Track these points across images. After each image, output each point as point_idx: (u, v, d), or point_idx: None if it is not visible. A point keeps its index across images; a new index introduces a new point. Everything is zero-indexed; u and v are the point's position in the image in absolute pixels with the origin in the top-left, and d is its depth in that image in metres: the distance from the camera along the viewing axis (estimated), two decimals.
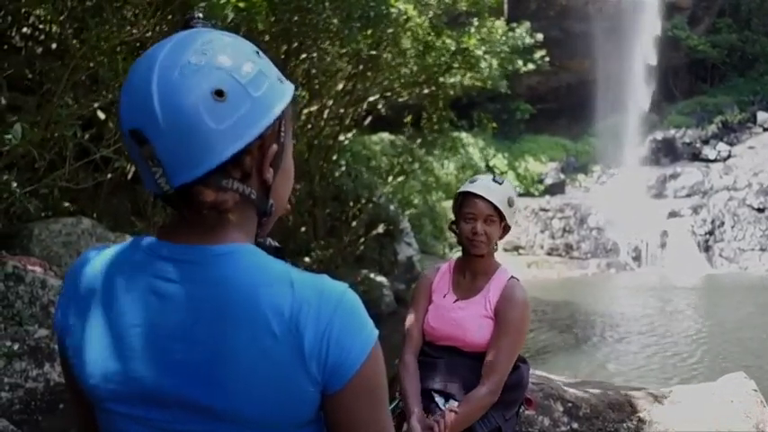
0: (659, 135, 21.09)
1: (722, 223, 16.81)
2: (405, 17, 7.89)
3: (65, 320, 0.95)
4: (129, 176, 6.60)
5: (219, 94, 0.84)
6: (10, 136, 3.07)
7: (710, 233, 16.73)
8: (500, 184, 2.24)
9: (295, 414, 0.87)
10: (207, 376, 0.85)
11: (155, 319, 0.87)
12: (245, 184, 0.90)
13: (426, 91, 10.88)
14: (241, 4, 4.20)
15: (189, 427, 0.87)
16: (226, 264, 0.87)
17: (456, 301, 2.27)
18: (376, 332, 0.91)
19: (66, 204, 5.58)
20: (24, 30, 6.09)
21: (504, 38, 10.64)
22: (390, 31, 8.02)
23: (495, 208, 2.19)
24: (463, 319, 2.22)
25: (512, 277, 2.27)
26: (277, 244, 0.99)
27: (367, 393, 0.89)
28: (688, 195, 18.41)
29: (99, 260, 0.95)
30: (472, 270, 2.30)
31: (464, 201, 2.25)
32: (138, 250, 0.92)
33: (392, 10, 7.24)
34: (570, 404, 3.01)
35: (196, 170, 0.84)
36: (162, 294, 0.87)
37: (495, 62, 10.52)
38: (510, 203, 2.22)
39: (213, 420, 0.86)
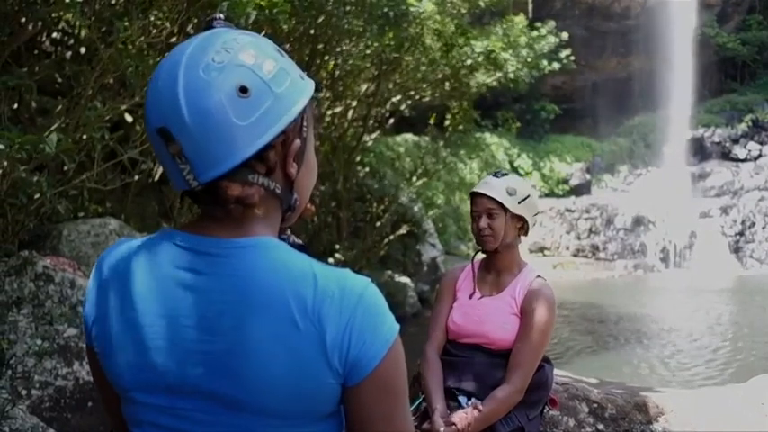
0: (688, 134, 20.75)
1: (753, 224, 16.47)
2: (425, 14, 7.85)
3: (92, 311, 0.98)
4: (156, 178, 6.69)
5: (243, 90, 0.86)
6: (46, 146, 3.13)
7: (741, 234, 16.40)
8: (499, 177, 2.28)
9: (316, 406, 0.88)
10: (230, 367, 0.86)
11: (180, 310, 0.89)
12: (270, 178, 0.92)
13: (448, 88, 10.83)
14: (263, 3, 4.22)
15: (213, 417, 0.88)
16: (250, 256, 0.89)
17: (481, 298, 2.27)
18: (397, 327, 0.91)
19: (95, 206, 5.67)
20: (54, 35, 6.21)
21: (530, 41, 10.57)
22: (412, 30, 8.00)
23: (495, 201, 2.21)
24: (488, 315, 2.22)
25: (538, 276, 2.27)
26: (300, 242, 1.00)
27: (386, 387, 0.89)
28: (717, 195, 18.08)
29: (126, 252, 0.97)
30: (497, 267, 2.30)
31: (471, 201, 2.31)
32: (164, 243, 0.94)
33: (411, 9, 7.22)
34: (596, 405, 2.98)
35: (223, 166, 0.86)
36: (187, 286, 0.89)
37: (520, 65, 10.47)
38: (510, 193, 2.23)
39: (236, 411, 0.87)
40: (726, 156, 20.19)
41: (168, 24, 4.94)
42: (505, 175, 2.31)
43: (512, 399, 2.12)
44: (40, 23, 4.99)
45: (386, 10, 6.74)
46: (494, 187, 2.24)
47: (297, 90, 0.93)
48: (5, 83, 3.85)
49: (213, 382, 0.87)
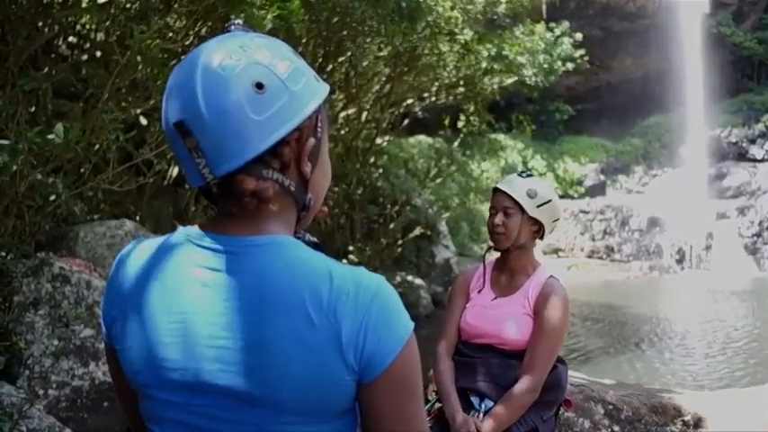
0: (704, 134, 20.55)
1: None
2: (440, 10, 7.82)
3: (111, 309, 0.99)
4: (171, 180, 6.74)
5: (260, 86, 0.88)
6: (53, 135, 3.16)
7: (758, 235, 16.22)
8: (524, 177, 2.26)
9: (332, 403, 0.89)
10: (247, 364, 0.87)
11: (197, 307, 0.90)
12: (284, 175, 0.93)
13: (462, 90, 10.82)
14: (278, 12, 4.25)
15: (229, 413, 0.89)
16: (266, 254, 0.90)
17: (494, 298, 2.25)
18: (411, 325, 0.92)
19: (110, 208, 5.72)
20: (71, 39, 6.27)
21: (547, 46, 10.55)
22: (428, 32, 7.99)
23: (514, 200, 2.19)
24: (501, 316, 2.20)
25: (551, 276, 2.24)
26: (315, 240, 1.01)
27: (401, 385, 0.90)
28: (734, 196, 17.90)
29: (144, 251, 0.98)
30: (510, 268, 2.28)
31: (492, 197, 2.28)
32: (182, 241, 0.95)
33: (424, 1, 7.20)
34: (611, 407, 2.96)
35: (238, 159, 0.88)
36: (205, 284, 0.90)
37: (536, 69, 10.45)
38: (530, 195, 2.20)
39: (253, 407, 0.88)
40: (742, 156, 19.98)
41: (184, 30, 4.98)
42: (531, 176, 2.28)
43: (527, 398, 2.09)
44: (56, 27, 5.05)
45: (400, 3, 6.73)
46: (515, 186, 2.22)
47: (311, 90, 0.95)
48: (22, 86, 3.90)
49: (230, 378, 0.88)
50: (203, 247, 0.92)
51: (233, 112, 0.86)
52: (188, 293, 0.91)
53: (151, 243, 0.99)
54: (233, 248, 0.91)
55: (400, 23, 7.01)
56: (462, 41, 9.04)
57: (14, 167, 3.03)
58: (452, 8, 8.21)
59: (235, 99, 0.87)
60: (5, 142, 2.89)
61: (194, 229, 0.96)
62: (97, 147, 4.33)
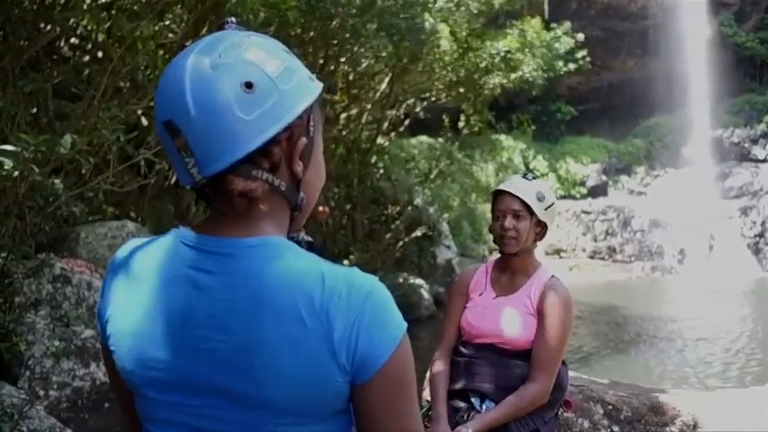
0: (706, 135, 20.51)
1: None
2: (437, 32, 7.81)
3: (106, 309, 0.99)
4: (172, 181, 6.75)
5: (249, 86, 0.87)
6: (60, 146, 3.18)
7: (760, 235, 16.19)
8: (529, 180, 2.24)
9: (325, 403, 0.89)
10: (240, 365, 0.87)
11: (191, 308, 0.90)
12: (275, 175, 0.92)
13: (463, 90, 10.81)
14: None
15: (223, 414, 0.89)
16: (258, 255, 0.90)
17: (495, 297, 2.25)
18: (405, 325, 0.92)
19: (111, 208, 5.73)
20: (72, 40, 6.28)
21: (545, 41, 10.54)
22: (425, 41, 7.97)
23: (524, 203, 2.17)
24: (503, 315, 2.19)
25: (553, 276, 2.24)
26: (309, 239, 1.01)
27: (395, 385, 0.90)
28: (737, 197, 17.86)
29: (139, 251, 0.98)
30: (512, 269, 2.27)
31: (495, 199, 2.26)
32: (175, 242, 0.95)
33: (426, 24, 7.19)
34: (611, 407, 2.96)
35: (226, 159, 0.87)
36: (197, 285, 0.90)
37: (536, 65, 10.43)
38: (539, 198, 2.19)
39: (247, 408, 0.88)
40: (745, 156, 19.94)
41: (182, 26, 4.98)
42: (535, 178, 2.26)
43: (537, 400, 2.09)
44: (58, 28, 5.05)
45: (398, 21, 6.71)
46: (524, 189, 2.19)
47: (303, 89, 0.94)
48: (22, 87, 3.90)
49: (224, 379, 0.88)
50: (196, 249, 0.92)
51: (221, 112, 0.85)
52: (181, 294, 0.90)
53: (145, 244, 0.99)
54: (225, 250, 0.91)
55: (396, 42, 6.99)
56: (462, 36, 9.03)
57: (16, 173, 3.03)
58: (446, 21, 8.18)
59: (223, 98, 0.85)
60: (10, 148, 2.89)
61: (187, 231, 0.95)
62: (98, 147, 4.34)
